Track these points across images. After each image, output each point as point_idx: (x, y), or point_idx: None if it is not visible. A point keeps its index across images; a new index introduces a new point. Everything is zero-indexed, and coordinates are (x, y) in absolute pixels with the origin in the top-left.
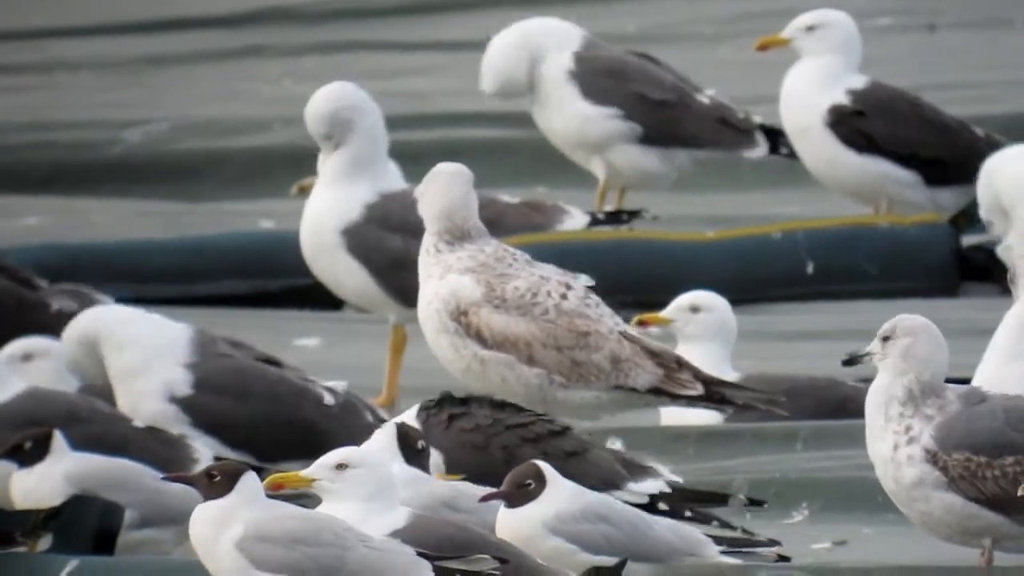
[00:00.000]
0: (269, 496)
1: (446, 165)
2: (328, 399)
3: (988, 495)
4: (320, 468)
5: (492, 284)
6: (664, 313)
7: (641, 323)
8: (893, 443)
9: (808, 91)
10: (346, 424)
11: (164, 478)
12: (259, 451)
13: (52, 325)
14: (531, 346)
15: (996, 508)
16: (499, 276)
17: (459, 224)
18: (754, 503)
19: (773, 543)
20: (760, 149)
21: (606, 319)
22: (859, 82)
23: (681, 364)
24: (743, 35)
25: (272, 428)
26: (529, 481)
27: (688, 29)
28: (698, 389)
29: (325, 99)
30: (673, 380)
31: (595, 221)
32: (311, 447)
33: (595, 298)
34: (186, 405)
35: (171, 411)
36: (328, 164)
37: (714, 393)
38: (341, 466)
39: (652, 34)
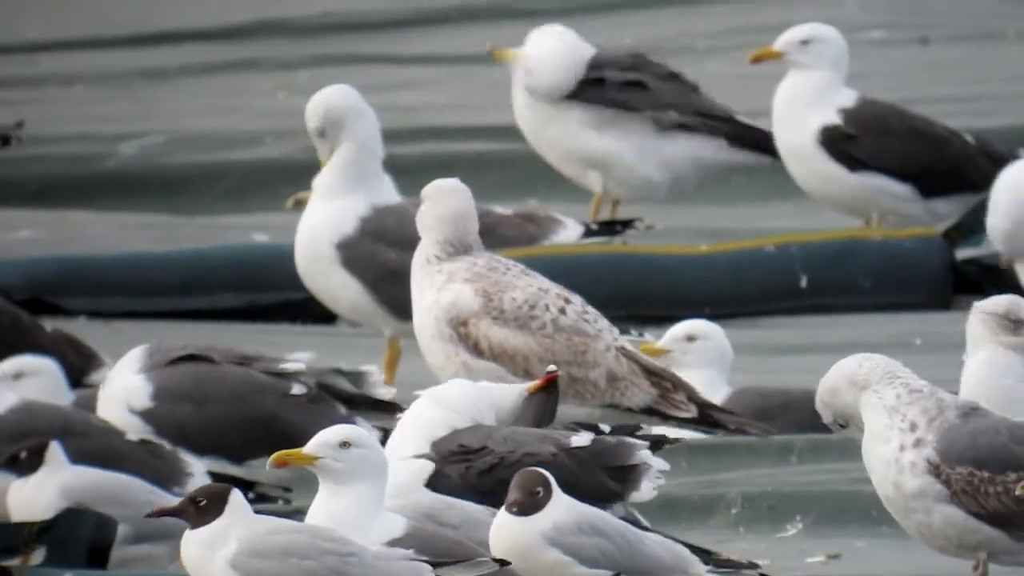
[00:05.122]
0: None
1: (447, 181)
2: (296, 389)
3: (989, 510)
4: (323, 446)
5: (490, 294)
6: (661, 344)
7: None
8: (899, 444)
9: (799, 110)
10: (316, 414)
11: (148, 515)
12: (228, 453)
13: (48, 346)
14: (528, 360)
15: (996, 523)
16: (495, 284)
17: (462, 237)
18: (753, 566)
19: (753, 566)
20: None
21: (605, 334)
22: (850, 99)
23: (676, 385)
24: (735, 49)
25: (236, 429)
26: (538, 489)
27: (681, 43)
28: (692, 411)
29: (323, 96)
30: (667, 401)
31: (589, 232)
32: (280, 441)
33: (593, 312)
34: (147, 416)
35: (133, 421)
36: (322, 174)
37: (707, 416)
38: (345, 444)
39: (647, 48)
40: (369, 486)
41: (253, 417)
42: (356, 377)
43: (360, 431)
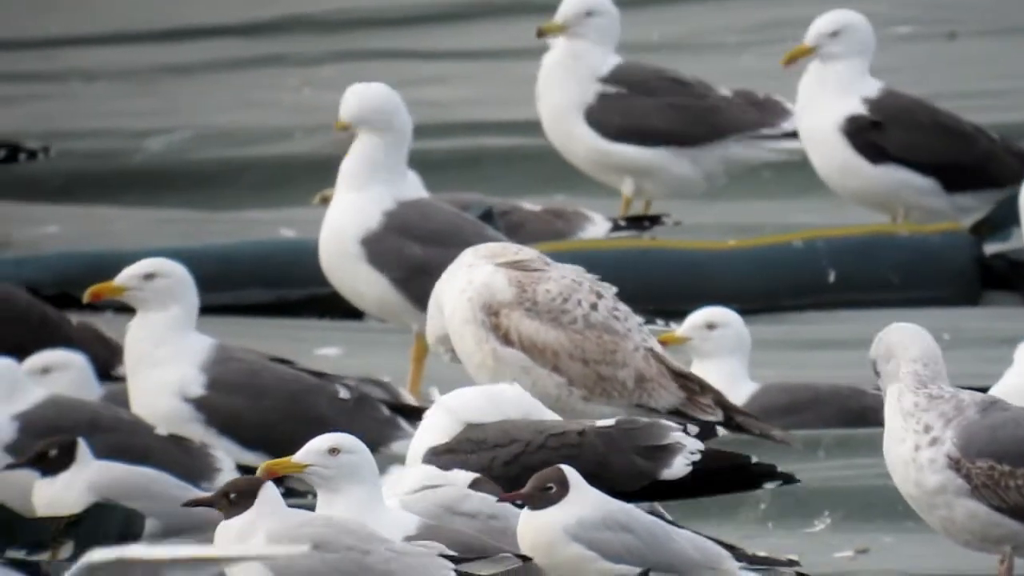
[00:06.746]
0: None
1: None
2: (343, 393)
3: (1011, 504)
4: (312, 453)
5: (524, 284)
6: (680, 332)
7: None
8: (914, 444)
9: (824, 98)
10: (361, 418)
11: (185, 504)
12: (273, 449)
13: (74, 341)
14: (558, 355)
15: (1018, 517)
16: (529, 275)
17: None
18: (792, 563)
19: (792, 563)
20: (790, 123)
21: (634, 334)
22: (874, 90)
23: (704, 388)
24: (766, 43)
25: (286, 425)
26: (551, 485)
27: (711, 38)
28: (717, 415)
29: (362, 98)
30: (694, 404)
31: (617, 227)
32: None
33: (624, 309)
34: (200, 404)
35: (185, 410)
36: (344, 168)
37: (732, 420)
38: (333, 451)
39: (676, 43)
40: (362, 489)
41: (305, 416)
42: (385, 386)
43: (349, 437)
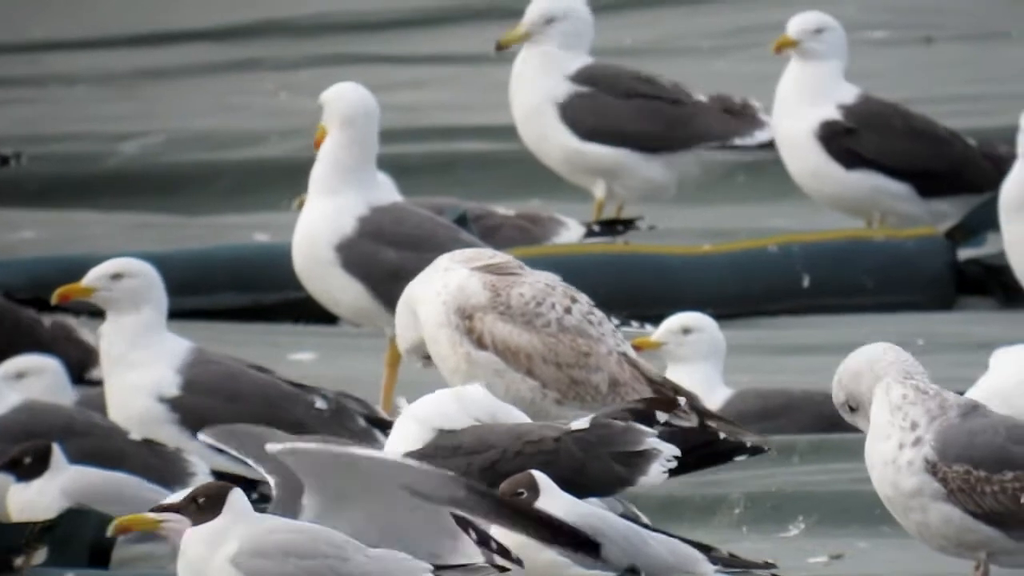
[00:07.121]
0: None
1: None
2: (320, 404)
3: (986, 509)
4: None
5: (498, 288)
6: (655, 337)
7: (633, 348)
8: (898, 442)
9: (800, 103)
10: (338, 429)
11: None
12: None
13: (48, 343)
14: (531, 359)
15: (993, 523)
16: (504, 278)
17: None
18: (769, 566)
19: (769, 566)
20: (766, 133)
21: (608, 338)
22: (850, 96)
23: (678, 393)
24: (739, 48)
25: None
26: (521, 490)
27: (684, 43)
28: (692, 420)
29: (339, 96)
30: None
31: (591, 232)
32: None
33: (598, 314)
34: (175, 405)
35: (160, 410)
36: (314, 173)
37: (707, 425)
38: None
39: (649, 48)
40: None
41: (281, 422)
42: (361, 403)
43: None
